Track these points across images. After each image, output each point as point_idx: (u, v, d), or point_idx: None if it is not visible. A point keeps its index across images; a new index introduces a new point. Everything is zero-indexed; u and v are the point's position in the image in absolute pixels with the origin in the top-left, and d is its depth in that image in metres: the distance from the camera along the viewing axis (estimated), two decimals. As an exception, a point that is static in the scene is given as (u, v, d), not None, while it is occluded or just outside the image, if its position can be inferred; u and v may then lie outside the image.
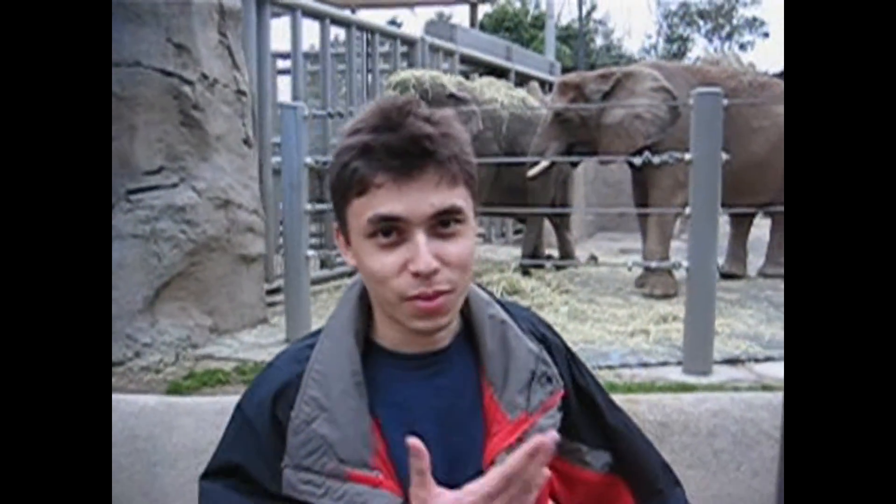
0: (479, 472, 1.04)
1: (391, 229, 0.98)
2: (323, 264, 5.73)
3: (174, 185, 3.79)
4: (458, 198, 0.99)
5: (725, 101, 3.45)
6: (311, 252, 4.12)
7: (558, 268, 6.17)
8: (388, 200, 0.96)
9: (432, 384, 1.07)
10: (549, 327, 1.21)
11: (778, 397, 2.85)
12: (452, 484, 1.03)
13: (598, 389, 1.21)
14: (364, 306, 1.10)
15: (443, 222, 0.98)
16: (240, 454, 1.06)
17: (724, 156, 3.44)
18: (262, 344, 3.96)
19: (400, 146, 0.96)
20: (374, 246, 0.99)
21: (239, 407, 1.11)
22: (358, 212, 0.99)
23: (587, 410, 1.17)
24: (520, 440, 1.04)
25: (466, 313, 1.12)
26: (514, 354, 1.09)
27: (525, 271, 5.81)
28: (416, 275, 0.96)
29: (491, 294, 1.16)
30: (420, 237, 0.97)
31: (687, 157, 3.46)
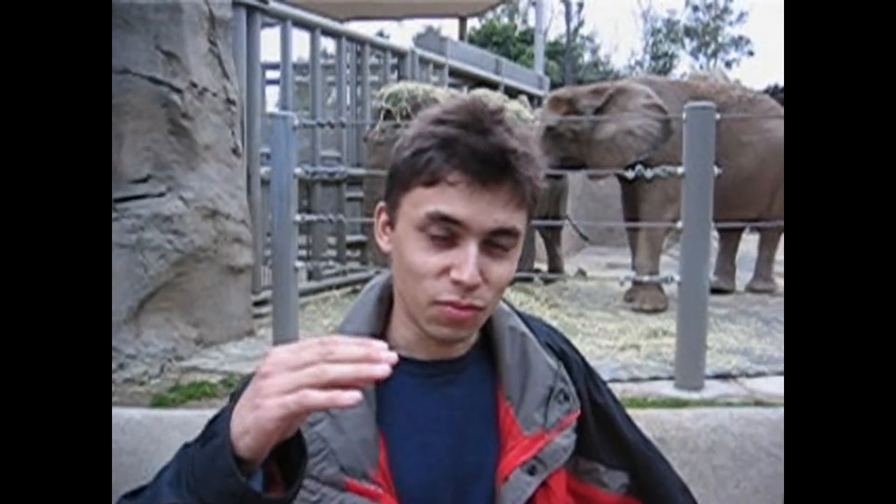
0: (491, 488, 1.01)
1: (446, 230, 0.93)
2: (311, 276, 5.68)
3: (161, 195, 3.73)
4: (519, 221, 0.96)
5: (717, 116, 3.45)
6: (299, 263, 4.07)
7: (546, 282, 6.14)
8: (455, 201, 0.92)
9: (445, 393, 1.04)
10: (567, 342, 1.17)
11: (777, 413, 2.83)
12: (462, 499, 1.00)
13: (617, 407, 1.17)
14: (382, 309, 1.06)
15: (497, 241, 0.95)
16: None
17: (717, 170, 3.43)
18: (248, 356, 3.88)
19: (486, 152, 0.91)
20: (423, 240, 0.95)
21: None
22: (418, 201, 0.94)
23: (605, 429, 1.13)
24: (535, 457, 1.02)
25: (485, 323, 1.08)
26: (533, 369, 1.06)
27: None
28: (457, 283, 0.93)
29: (511, 305, 1.12)
30: (472, 248, 0.93)
31: (679, 170, 3.45)
